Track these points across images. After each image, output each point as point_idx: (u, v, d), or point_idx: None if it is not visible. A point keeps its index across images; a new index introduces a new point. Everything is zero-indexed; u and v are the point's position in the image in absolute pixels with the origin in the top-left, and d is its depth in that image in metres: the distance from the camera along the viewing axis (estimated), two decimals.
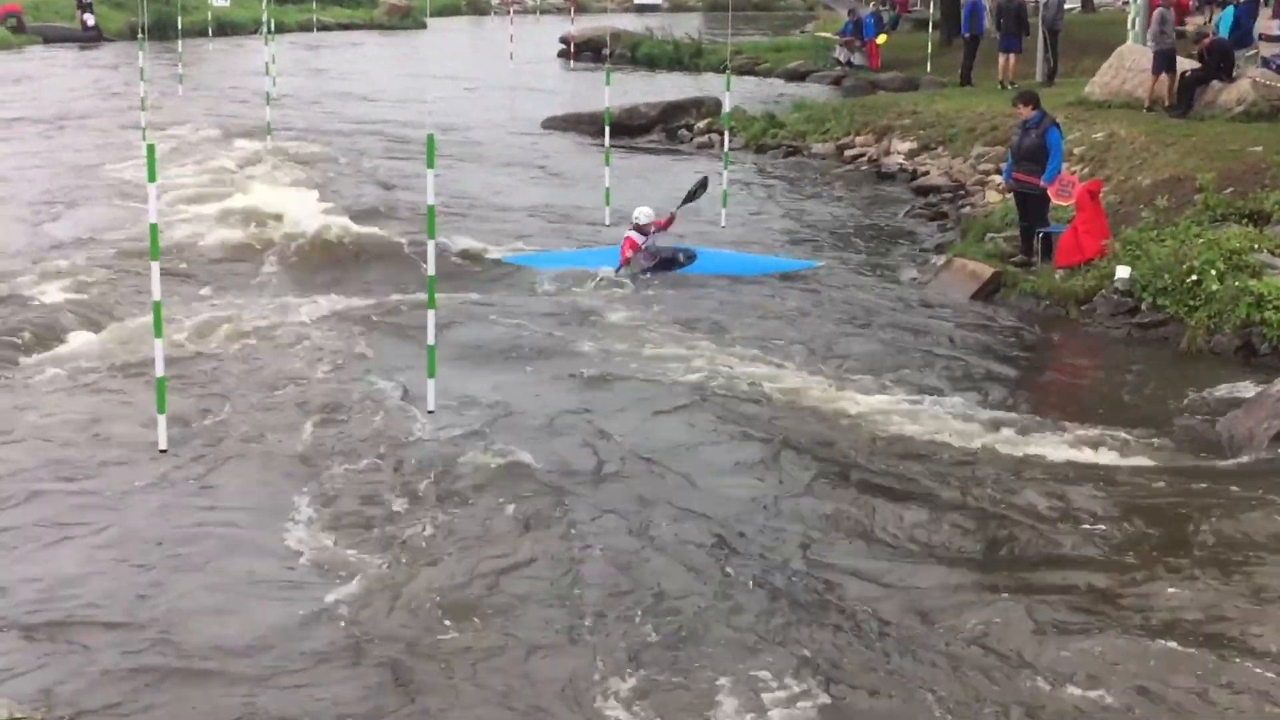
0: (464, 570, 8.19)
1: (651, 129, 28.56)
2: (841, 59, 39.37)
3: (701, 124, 28.31)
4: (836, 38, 40.79)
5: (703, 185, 17.15)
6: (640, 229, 15.99)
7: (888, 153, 24.43)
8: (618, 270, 15.69)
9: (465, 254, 16.64)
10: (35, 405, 11.02)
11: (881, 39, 38.44)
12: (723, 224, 18.74)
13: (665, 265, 15.95)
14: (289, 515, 8.98)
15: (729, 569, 8.26)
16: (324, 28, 60.27)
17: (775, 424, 10.88)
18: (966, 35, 29.76)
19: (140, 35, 27.19)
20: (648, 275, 15.71)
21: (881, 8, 43.06)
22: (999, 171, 20.06)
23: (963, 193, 20.92)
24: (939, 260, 16.55)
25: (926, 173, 22.54)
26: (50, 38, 48.17)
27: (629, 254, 15.82)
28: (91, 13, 49.79)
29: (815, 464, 10.05)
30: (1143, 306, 14.00)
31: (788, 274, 16.16)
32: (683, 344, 13.14)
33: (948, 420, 10.99)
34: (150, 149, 9.08)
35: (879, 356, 12.96)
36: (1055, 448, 10.41)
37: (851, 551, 8.62)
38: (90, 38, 48.91)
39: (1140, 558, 8.49)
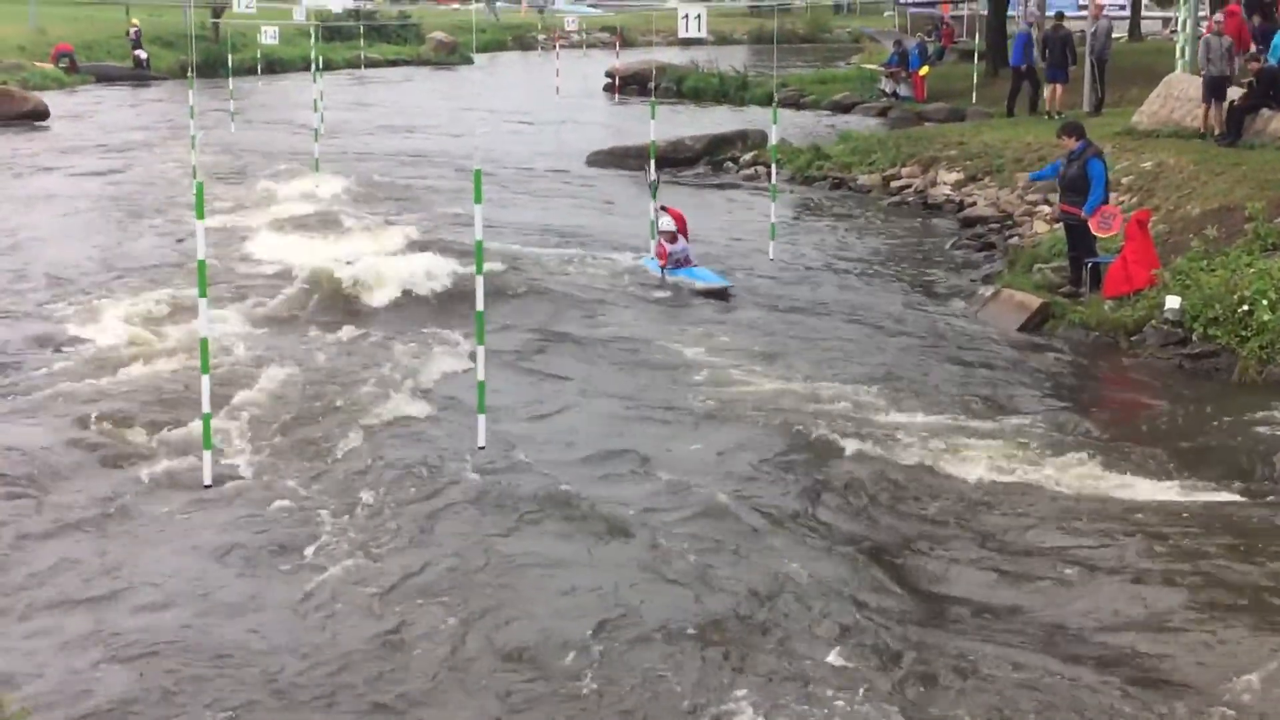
0: (522, 614, 8.15)
1: (697, 162, 28.56)
2: (887, 90, 39.32)
3: (747, 156, 28.30)
4: (882, 69, 40.75)
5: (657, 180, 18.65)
6: (667, 234, 17.43)
7: (934, 184, 24.34)
8: (663, 271, 17.34)
9: (512, 285, 16.69)
10: (82, 440, 11.06)
11: (926, 70, 38.39)
12: (771, 256, 18.71)
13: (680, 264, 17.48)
14: (334, 554, 8.98)
15: (792, 613, 8.17)
16: (372, 64, 60.64)
17: (828, 452, 10.85)
18: (1023, 67, 29.43)
19: (190, 74, 27.44)
20: (672, 276, 17.28)
21: (927, 39, 43.03)
22: (1046, 202, 19.99)
23: (1010, 223, 20.81)
24: (987, 291, 16.46)
25: (973, 203, 22.45)
26: (103, 76, 48.68)
27: (664, 261, 17.42)
28: (143, 49, 50.31)
29: (865, 496, 9.99)
30: (1193, 337, 13.86)
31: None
32: (739, 372, 13.13)
33: (995, 452, 10.90)
34: (199, 187, 9.15)
35: (927, 387, 12.88)
36: (1105, 481, 10.30)
37: (907, 592, 8.55)
38: (142, 76, 49.43)
39: (1190, 594, 8.37)
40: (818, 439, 11.21)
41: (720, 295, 16.76)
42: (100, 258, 18.53)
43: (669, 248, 17.47)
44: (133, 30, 50.47)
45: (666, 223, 17.56)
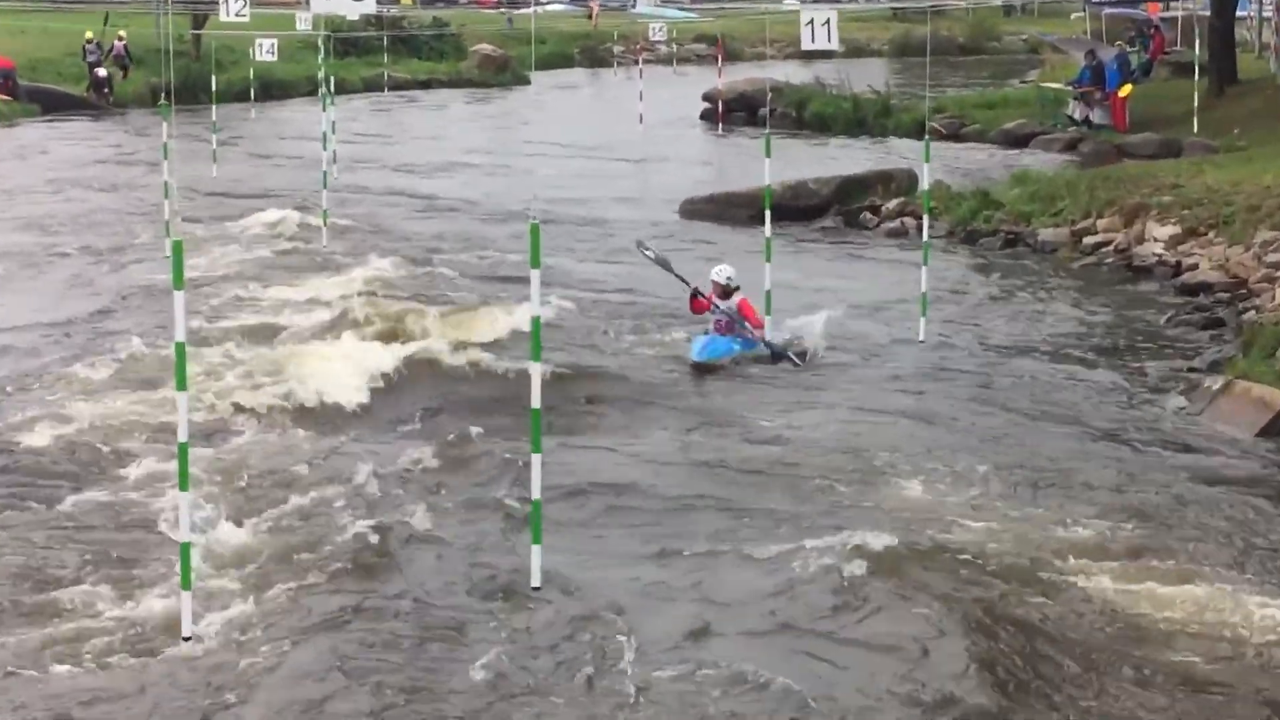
0: None
1: (825, 212, 28.64)
2: (1077, 116, 39.31)
3: (891, 205, 28.35)
4: (1070, 89, 40.76)
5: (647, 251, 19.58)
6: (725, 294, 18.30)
7: (1141, 240, 24.25)
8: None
9: (577, 372, 16.83)
10: (32, 580, 11.25)
11: (1128, 90, 38.33)
12: (921, 337, 18.68)
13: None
14: None
15: None
16: (397, 86, 61.60)
17: (974, 587, 10.83)
18: None
19: (163, 101, 27.93)
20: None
21: (1129, 49, 43.03)
22: None
23: (1244, 292, 20.67)
24: (1214, 383, 16.33)
25: (1194, 266, 22.34)
26: (50, 105, 49.71)
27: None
28: (103, 68, 51.32)
29: (1022, 644, 9.96)
30: None
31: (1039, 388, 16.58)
32: (878, 494, 13.11)
33: (1219, 604, 10.78)
34: (177, 246, 9.33)
35: (1129, 509, 12.76)
36: None
37: None
38: (94, 106, 50.42)
39: None
40: (961, 565, 11.16)
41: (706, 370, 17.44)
42: (42, 337, 18.86)
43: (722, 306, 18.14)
44: (89, 45, 51.57)
45: (722, 270, 18.43)
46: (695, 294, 18.44)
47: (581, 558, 11.77)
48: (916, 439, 14.97)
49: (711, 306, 18.30)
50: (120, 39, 53.12)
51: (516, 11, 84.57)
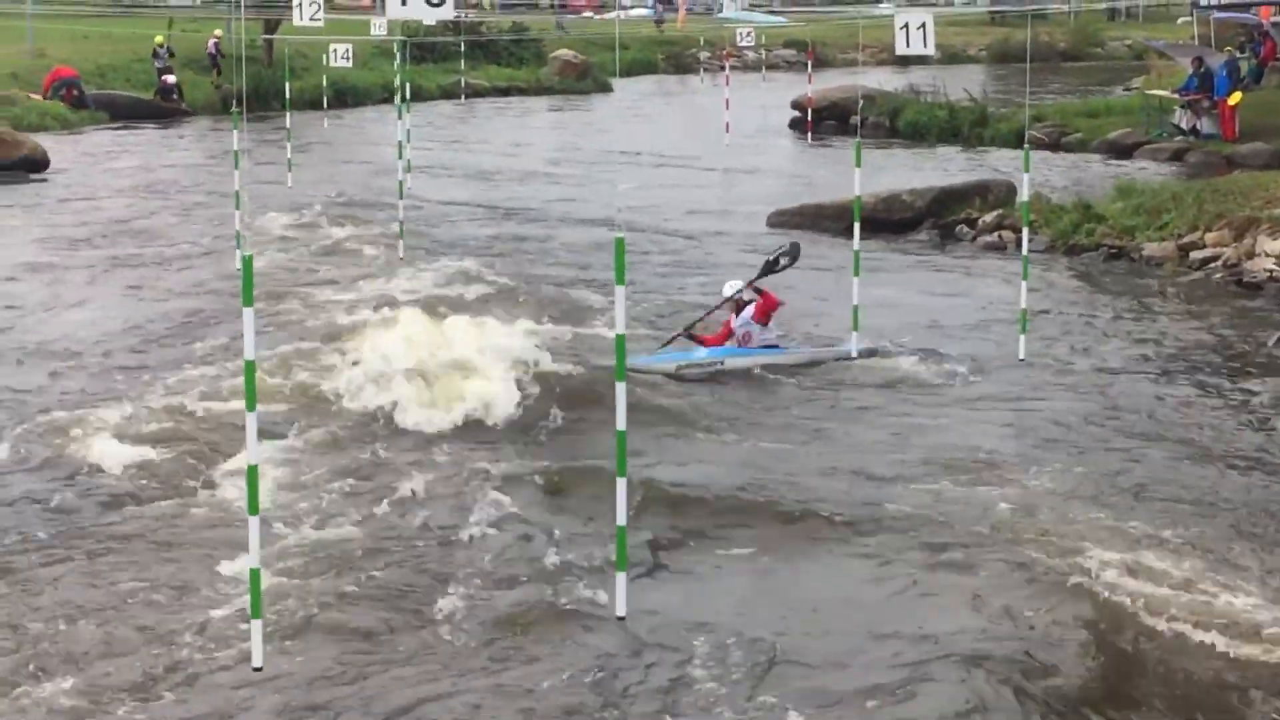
0: None
1: (919, 225, 28.55)
2: (1184, 125, 39.05)
3: (988, 217, 28.22)
4: (1176, 96, 40.49)
5: (791, 255, 19.54)
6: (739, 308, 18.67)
7: (1252, 254, 24.05)
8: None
9: (664, 392, 16.83)
10: (91, 608, 11.34)
11: (1238, 98, 38.01)
12: (1021, 355, 18.54)
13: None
14: None
15: None
16: (475, 93, 61.84)
17: (1094, 609, 10.75)
18: None
19: (235, 108, 28.09)
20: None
21: (1239, 55, 42.66)
22: None
23: None
24: None
25: None
26: (119, 112, 50.13)
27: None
28: (172, 74, 51.76)
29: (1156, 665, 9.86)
30: None
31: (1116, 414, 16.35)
32: (956, 485, 13.03)
33: None
34: (247, 262, 9.35)
35: (1248, 534, 12.65)
36: None
37: None
38: (165, 112, 50.83)
39: None
40: (1078, 605, 11.07)
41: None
42: (109, 356, 19.02)
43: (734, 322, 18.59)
44: (159, 50, 52.00)
45: (733, 286, 18.93)
46: (691, 336, 18.86)
47: (667, 585, 11.76)
48: (1019, 459, 14.88)
49: (730, 331, 18.65)
50: (216, 36, 53.51)
51: (588, 17, 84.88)
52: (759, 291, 18.79)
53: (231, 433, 15.20)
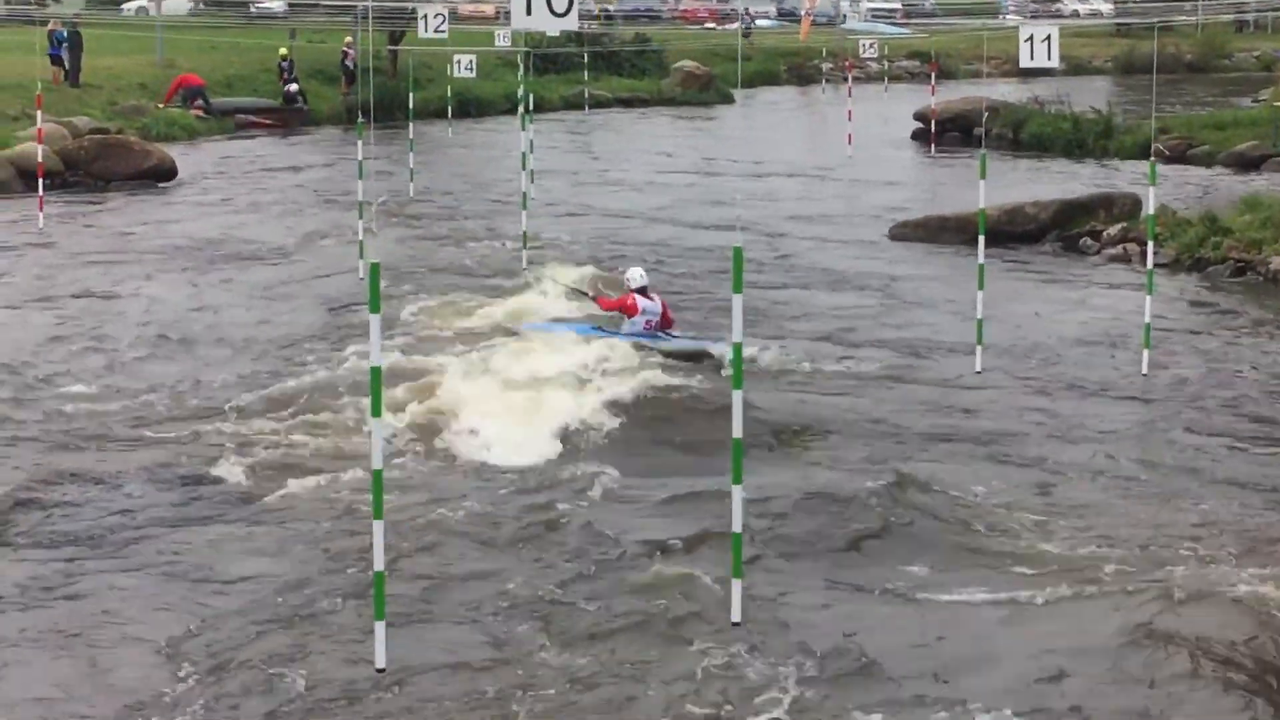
0: None
1: (1043, 237, 28.38)
2: None
3: (1113, 230, 28.01)
4: None
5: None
6: (642, 292, 19.38)
7: None
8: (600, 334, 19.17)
9: (782, 404, 16.86)
10: (227, 606, 11.50)
11: None
12: (1144, 370, 18.42)
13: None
14: None
15: None
16: (598, 104, 61.95)
17: (1238, 633, 10.66)
18: None
19: (359, 119, 28.33)
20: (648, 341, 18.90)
21: None
22: None
23: None
24: None
25: None
26: (245, 122, 50.66)
27: (615, 311, 19.54)
28: (296, 83, 52.25)
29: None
30: None
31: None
32: (1076, 501, 12.96)
33: None
34: (374, 269, 9.45)
35: None
36: None
37: None
38: (294, 120, 51.30)
39: None
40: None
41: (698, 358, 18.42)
42: (233, 361, 19.27)
43: (641, 303, 19.22)
44: (284, 62, 52.51)
45: (637, 276, 19.66)
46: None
47: (782, 592, 11.78)
48: (1143, 478, 14.79)
49: (640, 309, 19.29)
50: (347, 45, 53.90)
51: (710, 29, 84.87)
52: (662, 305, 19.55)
53: (354, 438, 15.40)
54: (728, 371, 17.39)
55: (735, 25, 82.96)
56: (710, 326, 20.28)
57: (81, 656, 10.84)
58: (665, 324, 19.31)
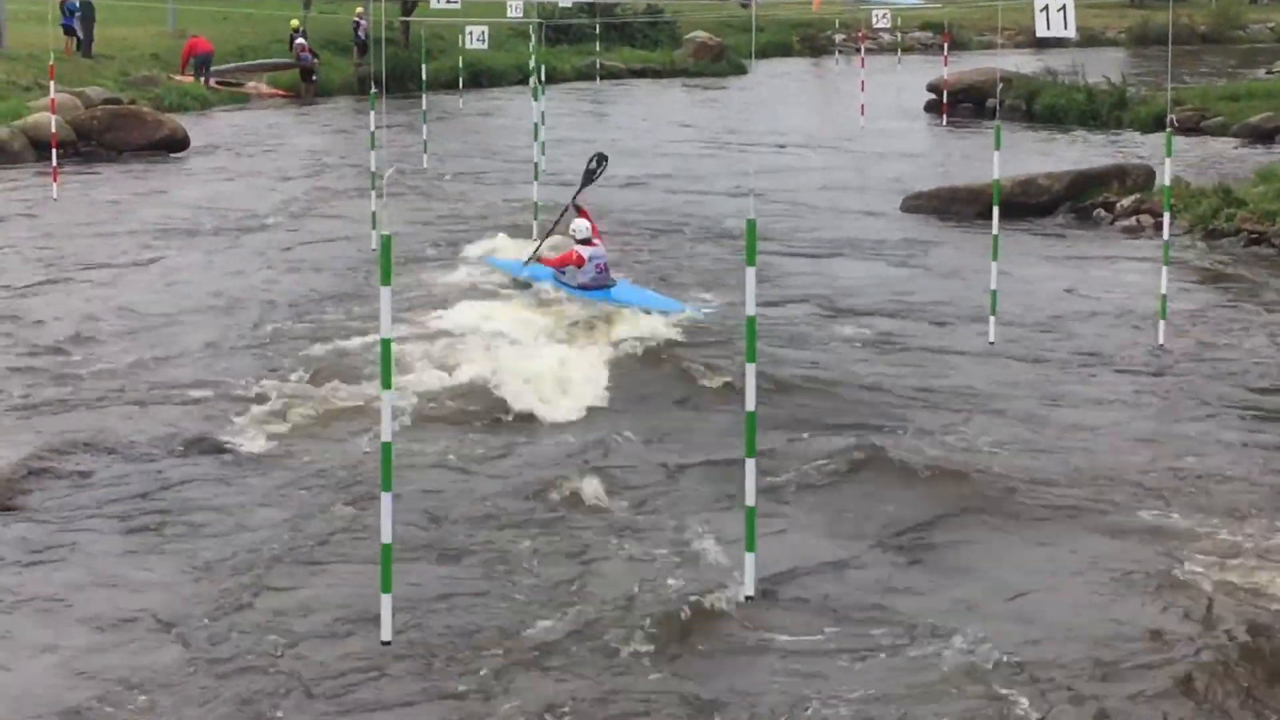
0: None
1: (1055, 208, 28.29)
2: None
3: (1127, 201, 27.92)
4: None
5: (600, 161, 22.11)
6: (585, 242, 19.97)
7: None
8: (555, 284, 20.18)
9: (792, 375, 16.80)
10: (223, 580, 11.48)
11: None
12: (1160, 341, 18.32)
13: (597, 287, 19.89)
14: None
15: None
16: (610, 75, 61.86)
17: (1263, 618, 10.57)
18: None
19: (372, 89, 28.24)
20: (579, 294, 19.75)
21: None
22: None
23: None
24: None
25: None
26: (256, 91, 50.73)
27: (568, 266, 20.10)
28: (306, 39, 52.24)
29: None
30: None
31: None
32: (1097, 477, 12.90)
33: None
34: (385, 241, 9.37)
35: None
36: None
37: None
38: (303, 92, 51.29)
39: None
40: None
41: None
42: (241, 332, 19.23)
43: (586, 253, 19.84)
44: (295, 32, 52.47)
45: (582, 228, 20.16)
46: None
47: (795, 565, 11.73)
48: (1163, 448, 14.71)
49: (587, 257, 19.93)
50: (358, 16, 53.85)
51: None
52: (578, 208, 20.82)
53: (364, 410, 15.37)
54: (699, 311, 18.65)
55: None
56: (714, 301, 20.27)
57: (84, 625, 10.79)
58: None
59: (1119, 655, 10.15)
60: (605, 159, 22.37)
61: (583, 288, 19.78)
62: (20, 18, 48.11)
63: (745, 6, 78.73)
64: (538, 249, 21.74)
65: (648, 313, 18.92)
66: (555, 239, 21.74)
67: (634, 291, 20.12)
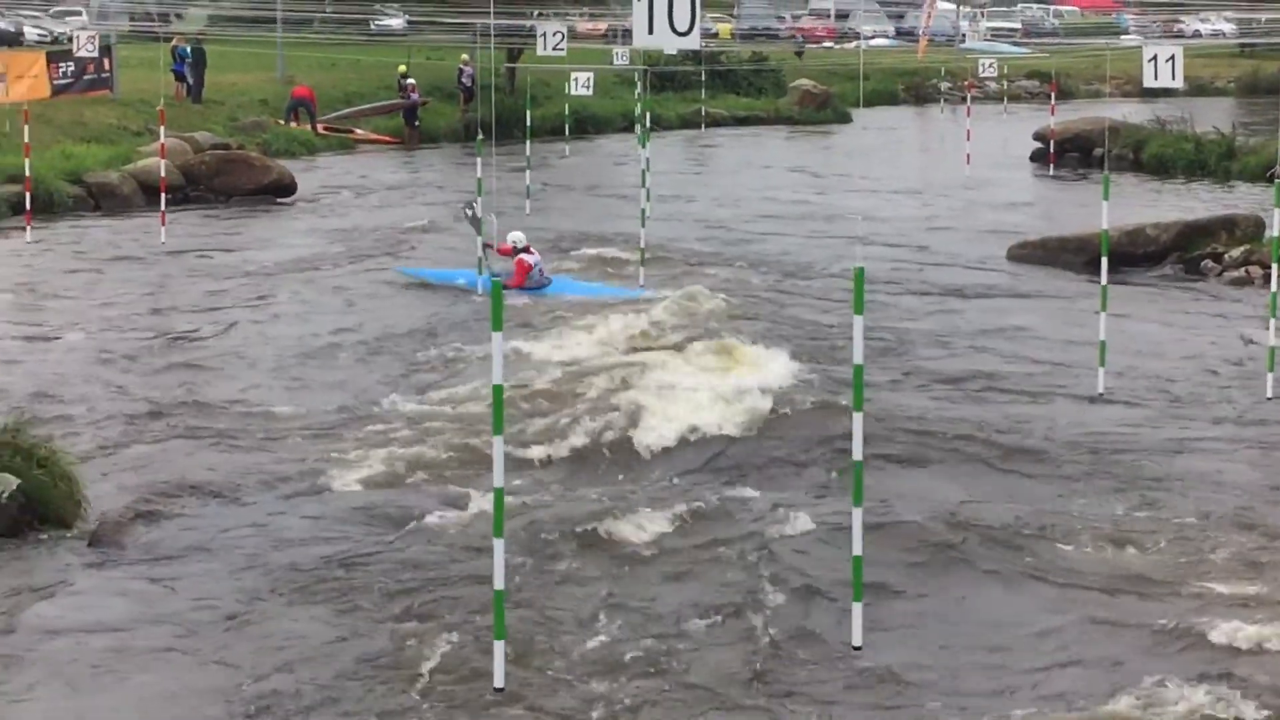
0: None
1: (1163, 259, 28.10)
2: None
3: (1235, 252, 27.69)
4: None
5: (469, 206, 24.05)
6: (525, 250, 23.62)
7: None
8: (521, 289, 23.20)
9: (898, 424, 16.81)
10: (340, 623, 11.59)
11: None
12: (1269, 394, 18.16)
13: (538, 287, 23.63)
14: None
15: None
16: (714, 122, 61.94)
17: None
18: None
19: (479, 137, 28.46)
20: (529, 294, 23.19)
21: None
22: None
23: None
24: None
25: None
26: (362, 138, 51.20)
27: (522, 278, 23.36)
28: (413, 83, 52.80)
29: None
30: None
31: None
32: (1206, 532, 12.82)
33: None
34: (496, 287, 9.52)
35: None
36: None
37: None
38: (407, 138, 51.67)
39: None
40: None
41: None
42: (352, 378, 19.43)
43: (529, 259, 23.53)
44: (403, 79, 52.87)
45: (520, 238, 23.86)
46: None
47: (905, 617, 11.75)
48: (1270, 503, 14.62)
49: (530, 264, 23.71)
50: (464, 62, 54.13)
51: (829, 47, 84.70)
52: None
53: (474, 456, 15.47)
54: None
55: (854, 44, 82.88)
56: (822, 349, 20.27)
57: (197, 666, 10.96)
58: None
59: None
60: (472, 205, 24.07)
61: (532, 288, 23.43)
62: (132, 64, 48.77)
63: (799, 54, 78.70)
64: (487, 260, 23.88)
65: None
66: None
67: (573, 285, 23.61)
